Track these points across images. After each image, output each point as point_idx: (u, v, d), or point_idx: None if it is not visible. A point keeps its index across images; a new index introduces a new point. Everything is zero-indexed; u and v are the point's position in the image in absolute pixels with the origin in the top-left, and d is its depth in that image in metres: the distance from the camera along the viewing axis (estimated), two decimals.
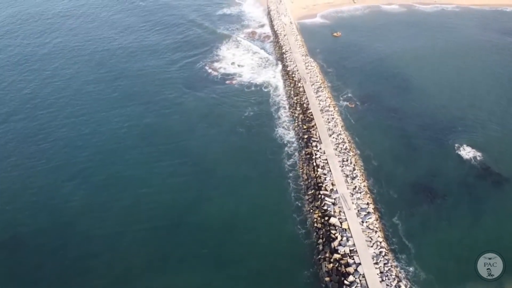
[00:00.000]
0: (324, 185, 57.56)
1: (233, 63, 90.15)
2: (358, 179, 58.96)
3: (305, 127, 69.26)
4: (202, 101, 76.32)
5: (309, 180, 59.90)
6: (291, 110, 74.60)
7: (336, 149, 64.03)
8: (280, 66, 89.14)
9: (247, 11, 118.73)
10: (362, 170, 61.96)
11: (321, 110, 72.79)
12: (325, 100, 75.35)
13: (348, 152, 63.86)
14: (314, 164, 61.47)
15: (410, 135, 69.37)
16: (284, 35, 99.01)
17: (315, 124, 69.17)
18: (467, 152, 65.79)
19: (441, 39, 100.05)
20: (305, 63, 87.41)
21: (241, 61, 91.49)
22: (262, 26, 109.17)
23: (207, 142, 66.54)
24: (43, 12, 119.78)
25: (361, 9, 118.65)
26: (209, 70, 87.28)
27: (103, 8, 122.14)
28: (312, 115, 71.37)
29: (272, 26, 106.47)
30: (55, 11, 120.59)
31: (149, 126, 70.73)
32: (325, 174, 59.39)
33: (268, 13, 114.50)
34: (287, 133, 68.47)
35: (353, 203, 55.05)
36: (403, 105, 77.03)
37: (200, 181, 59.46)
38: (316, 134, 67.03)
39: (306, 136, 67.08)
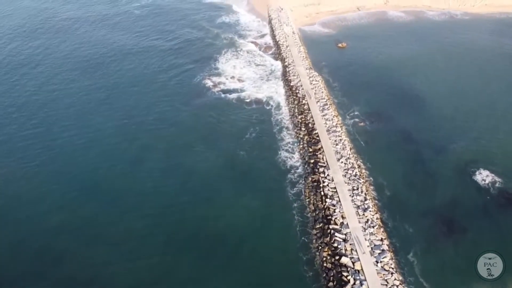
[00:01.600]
0: (333, 218, 52.90)
1: (232, 77, 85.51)
2: (370, 211, 54.28)
3: (311, 150, 64.58)
4: (199, 120, 71.57)
5: (317, 212, 55.18)
6: (295, 130, 69.90)
7: (345, 176, 59.39)
8: (282, 80, 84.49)
9: (246, 20, 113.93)
10: (374, 200, 57.26)
11: (328, 130, 68.18)
12: (332, 119, 70.74)
13: (359, 179, 59.20)
14: (322, 193, 56.79)
15: (423, 159, 64.74)
16: (287, 46, 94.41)
17: (321, 147, 64.54)
18: (485, 177, 61.22)
19: (452, 50, 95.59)
20: (310, 77, 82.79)
21: (241, 75, 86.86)
22: (263, 36, 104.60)
23: (205, 167, 61.76)
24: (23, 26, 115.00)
25: (366, 17, 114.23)
26: (208, 85, 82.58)
27: (96, 16, 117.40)
28: (318, 136, 66.75)
29: (273, 36, 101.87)
30: (35, 26, 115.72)
31: (142, 148, 65.97)
32: (334, 205, 54.71)
33: (269, 22, 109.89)
34: (291, 157, 63.76)
35: (366, 239, 50.39)
36: (415, 123, 72.40)
37: (196, 213, 54.66)
38: (323, 159, 62.37)
39: (312, 161, 62.38)
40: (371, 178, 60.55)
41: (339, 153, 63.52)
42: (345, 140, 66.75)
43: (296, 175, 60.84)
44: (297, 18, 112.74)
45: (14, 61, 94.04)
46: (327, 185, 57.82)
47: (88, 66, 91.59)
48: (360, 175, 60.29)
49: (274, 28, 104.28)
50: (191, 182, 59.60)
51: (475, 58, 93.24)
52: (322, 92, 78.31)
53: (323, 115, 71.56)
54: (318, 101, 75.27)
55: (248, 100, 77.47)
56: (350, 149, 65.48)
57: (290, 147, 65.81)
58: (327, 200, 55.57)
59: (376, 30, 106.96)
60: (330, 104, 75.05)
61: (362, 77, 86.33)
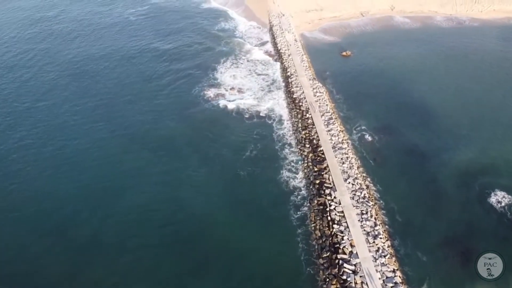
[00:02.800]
0: (341, 247, 49.22)
1: (232, 88, 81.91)
2: (380, 238, 50.57)
3: (316, 169, 60.89)
4: (197, 136, 67.89)
5: (323, 239, 51.47)
6: (299, 146, 66.20)
7: (353, 198, 55.69)
8: (285, 92, 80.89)
9: (246, 27, 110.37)
10: (384, 225, 53.53)
11: (334, 147, 64.52)
12: (338, 135, 67.10)
13: (367, 201, 55.47)
14: (329, 218, 53.10)
15: (435, 178, 61.05)
16: (289, 55, 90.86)
17: (327, 166, 60.87)
18: (501, 199, 57.61)
19: (461, 58, 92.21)
20: (313, 88, 79.20)
21: (241, 85, 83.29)
22: (264, 43, 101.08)
23: (202, 189, 58.12)
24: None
25: (370, 24, 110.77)
26: (206, 97, 78.97)
27: (90, 22, 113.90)
28: (323, 153, 63.10)
29: (275, 44, 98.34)
30: (26, 33, 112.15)
31: (134, 165, 62.31)
32: (342, 232, 51.01)
33: (270, 29, 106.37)
34: (294, 177, 60.04)
35: (377, 270, 46.69)
36: (424, 137, 68.86)
37: (192, 239, 51.03)
38: (329, 179, 58.69)
39: (317, 181, 58.69)
40: (380, 201, 56.79)
41: (346, 172, 59.84)
42: (352, 158, 63.08)
43: (299, 197, 57.14)
44: (299, 24, 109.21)
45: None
46: (334, 208, 54.14)
47: (79, 75, 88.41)
48: (369, 197, 56.58)
49: (275, 36, 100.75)
50: (187, 205, 55.99)
51: (484, 66, 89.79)
52: (327, 104, 74.69)
53: (328, 130, 67.92)
54: (322, 115, 71.64)
55: (248, 114, 73.85)
56: (358, 167, 61.84)
57: (293, 166, 62.07)
58: (335, 226, 51.89)
59: (382, 37, 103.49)
60: (335, 118, 71.41)
61: (368, 87, 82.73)
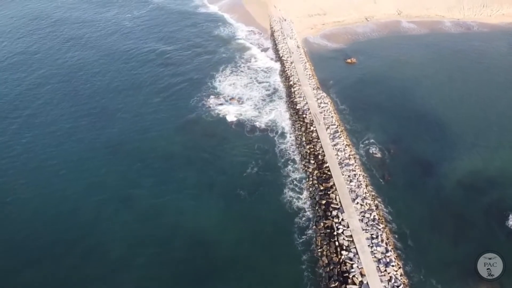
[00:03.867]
0: (351, 276, 45.67)
1: (232, 98, 78.44)
2: (393, 266, 47.01)
3: (321, 188, 57.38)
4: (194, 152, 64.30)
5: (331, 267, 47.88)
6: (303, 162, 62.66)
7: (362, 221, 52.18)
8: (287, 102, 77.45)
9: (245, 32, 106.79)
10: (396, 250, 49.97)
11: (340, 163, 61.07)
12: (344, 150, 63.66)
13: (378, 224, 51.97)
14: (337, 243, 49.55)
15: (449, 199, 57.49)
16: (291, 63, 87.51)
17: (333, 184, 57.38)
18: None
19: (471, 67, 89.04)
20: (317, 98, 75.81)
21: (241, 95, 79.85)
22: (265, 50, 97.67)
23: (199, 210, 54.44)
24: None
25: (376, 29, 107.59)
26: (205, 108, 75.49)
27: (84, 27, 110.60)
28: (329, 171, 59.62)
29: (276, 51, 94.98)
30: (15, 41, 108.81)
31: (127, 183, 58.55)
32: (351, 259, 47.46)
33: (272, 35, 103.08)
34: (298, 197, 56.44)
35: None
36: (436, 152, 65.44)
37: (189, 266, 47.39)
38: (336, 199, 55.18)
39: (323, 202, 55.16)
40: (391, 224, 53.23)
41: (354, 191, 56.33)
42: (360, 175, 59.59)
43: (304, 219, 53.56)
44: (302, 30, 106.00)
45: None
46: (342, 232, 50.61)
47: (70, 81, 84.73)
48: (379, 219, 53.06)
49: (277, 42, 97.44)
50: (183, 228, 52.34)
51: (494, 74, 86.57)
52: (332, 116, 71.26)
53: (334, 145, 64.48)
54: (327, 127, 68.21)
55: (249, 126, 70.34)
56: (366, 186, 58.34)
57: (296, 184, 58.48)
58: (343, 252, 48.34)
59: (388, 44, 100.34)
60: (341, 131, 67.98)
61: (374, 97, 79.38)
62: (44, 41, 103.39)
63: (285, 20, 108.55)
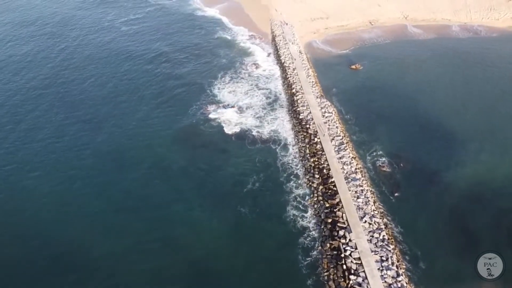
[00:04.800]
0: None
1: (232, 107, 75.74)
2: None
3: (327, 205, 54.56)
4: (191, 165, 61.52)
5: None
6: (307, 177, 59.80)
7: (371, 241, 49.41)
8: (290, 111, 74.66)
9: (245, 37, 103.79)
10: (407, 275, 47.15)
11: (346, 178, 58.29)
12: (350, 163, 60.87)
13: (387, 245, 49.19)
14: (344, 266, 46.74)
15: (463, 215, 54.78)
16: (293, 69, 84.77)
17: (340, 201, 54.58)
18: None
19: (482, 74, 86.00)
20: (321, 108, 73.09)
21: (241, 103, 77.14)
22: (266, 55, 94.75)
23: (198, 229, 51.69)
24: None
25: (381, 34, 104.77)
26: (203, 118, 72.75)
27: (78, 30, 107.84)
28: (335, 186, 56.84)
29: (278, 57, 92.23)
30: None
31: (121, 199, 55.88)
32: (360, 285, 44.72)
33: (273, 40, 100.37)
34: (303, 216, 53.57)
35: None
36: (448, 166, 62.50)
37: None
38: (342, 217, 52.40)
39: (329, 220, 52.36)
40: (402, 244, 50.42)
41: (362, 209, 53.54)
42: (367, 190, 56.81)
43: (309, 239, 50.73)
44: (304, 34, 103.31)
45: None
46: (350, 254, 47.82)
47: (62, 88, 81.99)
48: (388, 239, 50.26)
49: (278, 47, 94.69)
50: (180, 248, 49.67)
51: (505, 83, 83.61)
52: (337, 127, 68.53)
53: (340, 158, 61.70)
54: (332, 139, 65.44)
55: (250, 137, 67.51)
56: (374, 202, 55.54)
57: (300, 201, 55.60)
58: (351, 276, 45.54)
59: (393, 49, 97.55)
60: (346, 143, 65.23)
61: (380, 106, 76.61)
62: (35, 44, 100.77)
63: (286, 24, 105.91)
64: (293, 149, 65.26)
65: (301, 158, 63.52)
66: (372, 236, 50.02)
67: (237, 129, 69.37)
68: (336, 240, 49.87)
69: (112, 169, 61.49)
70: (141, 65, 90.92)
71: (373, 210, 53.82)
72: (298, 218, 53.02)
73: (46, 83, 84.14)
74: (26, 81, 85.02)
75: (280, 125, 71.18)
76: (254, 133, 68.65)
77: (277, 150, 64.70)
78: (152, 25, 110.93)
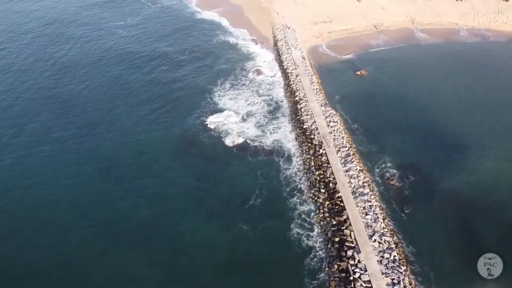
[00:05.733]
0: None
1: (233, 115, 73.06)
2: None
3: (334, 222, 51.88)
4: (191, 179, 58.86)
5: None
6: (312, 191, 57.09)
7: (381, 262, 46.76)
8: (293, 120, 72.03)
9: (246, 41, 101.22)
10: None
11: (354, 192, 55.65)
12: (357, 176, 58.22)
13: (399, 267, 46.55)
14: None
15: (478, 231, 52.25)
16: (297, 76, 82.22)
17: (347, 218, 51.92)
18: None
19: (493, 81, 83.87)
20: (326, 116, 70.49)
21: (243, 111, 74.55)
22: (267, 61, 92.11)
23: (197, 249, 48.95)
24: None
25: (386, 38, 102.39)
26: (203, 127, 70.10)
27: (73, 34, 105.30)
28: (342, 201, 54.19)
29: (280, 62, 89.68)
30: None
31: (113, 222, 52.95)
32: None
33: (275, 44, 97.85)
34: (308, 234, 50.87)
35: None
36: (461, 178, 60.00)
37: None
38: (350, 236, 49.74)
39: (337, 239, 49.69)
40: (414, 265, 47.76)
41: (371, 227, 50.89)
42: (376, 206, 54.14)
43: (316, 259, 48.04)
44: (307, 38, 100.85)
45: None
46: (359, 277, 45.14)
47: (56, 96, 79.21)
48: (399, 260, 47.59)
49: (280, 52, 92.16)
50: (179, 267, 46.98)
51: None
52: (343, 137, 65.91)
53: (346, 171, 59.05)
54: (338, 150, 62.82)
55: (252, 148, 64.85)
56: (384, 219, 52.87)
57: (305, 218, 52.90)
58: None
59: (400, 54, 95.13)
60: (353, 154, 62.61)
61: (388, 114, 74.19)
62: (27, 48, 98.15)
63: (289, 28, 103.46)
64: (296, 161, 62.60)
65: (305, 171, 60.83)
66: (383, 257, 47.37)
67: (238, 140, 66.72)
68: (344, 261, 47.18)
69: (105, 182, 58.72)
70: (138, 71, 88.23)
71: (383, 227, 51.17)
72: (303, 237, 50.30)
73: (39, 90, 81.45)
74: (21, 89, 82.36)
75: (283, 135, 68.57)
76: (256, 143, 66.01)
77: (280, 162, 62.01)
78: (150, 29, 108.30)
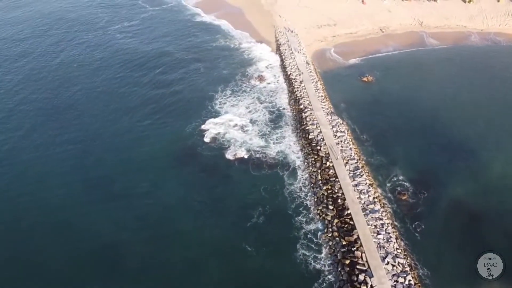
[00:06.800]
0: None
1: (235, 125, 70.07)
2: None
3: (344, 242, 48.65)
4: (191, 194, 55.72)
5: None
6: (319, 208, 53.84)
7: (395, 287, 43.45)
8: (297, 129, 68.90)
9: (247, 45, 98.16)
10: None
11: (364, 209, 52.44)
12: (367, 191, 55.01)
13: None
14: None
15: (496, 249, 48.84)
16: (301, 82, 79.11)
17: (358, 238, 48.69)
18: None
19: (507, 87, 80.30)
20: (332, 126, 67.36)
21: (244, 119, 71.56)
22: (269, 66, 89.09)
23: (200, 271, 45.69)
24: None
25: (392, 42, 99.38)
26: (203, 137, 67.13)
27: (69, 38, 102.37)
28: (352, 219, 50.98)
29: (283, 68, 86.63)
30: None
31: (110, 244, 49.72)
32: None
33: (278, 49, 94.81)
34: (316, 256, 47.61)
35: None
36: (476, 192, 56.88)
37: None
38: (362, 258, 46.49)
39: (347, 262, 46.46)
40: None
41: (383, 247, 47.65)
42: (388, 224, 50.92)
43: (324, 285, 44.79)
44: (311, 42, 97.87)
45: None
46: None
47: (51, 104, 76.64)
48: (415, 284, 44.34)
49: (284, 57, 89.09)
50: None
51: None
52: (350, 148, 62.74)
53: (356, 185, 55.86)
54: (346, 162, 59.64)
55: (254, 161, 61.66)
56: (397, 239, 49.61)
57: (311, 238, 49.64)
58: None
59: (407, 58, 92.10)
60: (362, 167, 59.39)
61: (397, 123, 71.06)
62: (21, 53, 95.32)
63: (292, 31, 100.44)
64: (302, 174, 59.37)
65: (311, 185, 57.60)
66: (397, 281, 44.10)
67: (240, 151, 63.56)
68: (355, 286, 43.95)
69: (100, 198, 55.55)
70: (134, 78, 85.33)
71: (396, 248, 47.92)
72: (310, 259, 47.04)
73: (29, 96, 78.64)
74: (16, 99, 79.42)
75: (288, 145, 65.42)
76: (259, 155, 62.86)
77: (285, 176, 58.77)
78: (148, 33, 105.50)
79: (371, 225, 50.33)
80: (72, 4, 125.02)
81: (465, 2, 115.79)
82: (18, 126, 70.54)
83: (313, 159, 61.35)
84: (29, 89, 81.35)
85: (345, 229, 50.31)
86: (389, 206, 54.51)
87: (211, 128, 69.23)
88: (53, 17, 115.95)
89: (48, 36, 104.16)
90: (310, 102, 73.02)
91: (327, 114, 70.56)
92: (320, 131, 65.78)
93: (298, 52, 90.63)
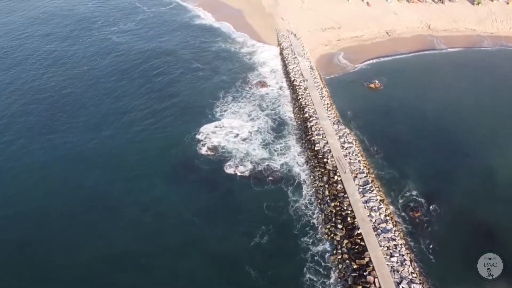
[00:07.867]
0: None
1: (236, 135, 66.81)
2: None
3: (355, 266, 45.32)
4: (190, 211, 52.34)
5: None
6: (327, 227, 50.51)
7: None
8: (302, 140, 65.64)
9: (248, 49, 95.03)
10: None
11: (375, 228, 49.11)
12: (378, 208, 51.68)
13: None
14: None
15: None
16: (305, 89, 75.83)
17: (370, 261, 45.34)
18: None
19: None
20: (339, 136, 64.07)
21: (246, 129, 68.27)
22: (271, 71, 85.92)
23: None
24: None
25: (399, 46, 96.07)
26: (202, 148, 63.83)
27: (65, 41, 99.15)
28: (363, 240, 47.63)
29: (286, 74, 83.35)
30: None
31: (103, 267, 46.46)
32: None
33: (280, 53, 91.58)
34: (324, 282, 44.24)
35: None
36: (496, 210, 53.41)
37: None
38: (375, 283, 43.14)
39: None
40: None
41: (397, 271, 44.33)
42: (401, 245, 47.56)
43: None
44: (315, 46, 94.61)
45: None
46: None
47: (45, 109, 73.56)
48: None
49: (287, 62, 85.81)
50: None
51: None
52: (359, 161, 59.41)
53: (366, 201, 52.51)
54: (355, 176, 56.30)
55: (257, 174, 58.30)
56: (411, 262, 46.28)
57: (319, 260, 46.28)
58: None
59: (415, 63, 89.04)
60: (372, 181, 56.07)
61: (407, 133, 67.84)
62: (14, 59, 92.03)
63: (295, 35, 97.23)
64: (308, 190, 56.01)
65: (318, 201, 54.25)
66: None
67: (242, 164, 60.24)
68: None
69: (95, 215, 52.18)
70: (131, 83, 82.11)
71: (411, 272, 44.61)
72: (318, 285, 43.74)
73: (18, 103, 75.38)
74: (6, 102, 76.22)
75: (292, 157, 62.16)
76: (261, 168, 59.55)
77: (289, 192, 55.39)
78: (146, 36, 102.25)
79: (384, 246, 46.98)
80: (67, 5, 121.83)
81: (473, 4, 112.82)
82: (4, 135, 67.27)
83: (319, 172, 58.00)
84: (17, 94, 78.16)
85: (356, 250, 47.00)
86: (402, 224, 51.19)
87: (211, 138, 65.98)
88: (52, 17, 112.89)
89: (43, 38, 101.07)
90: (315, 110, 69.72)
91: (334, 123, 67.27)
92: (327, 142, 62.49)
93: (301, 56, 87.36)
